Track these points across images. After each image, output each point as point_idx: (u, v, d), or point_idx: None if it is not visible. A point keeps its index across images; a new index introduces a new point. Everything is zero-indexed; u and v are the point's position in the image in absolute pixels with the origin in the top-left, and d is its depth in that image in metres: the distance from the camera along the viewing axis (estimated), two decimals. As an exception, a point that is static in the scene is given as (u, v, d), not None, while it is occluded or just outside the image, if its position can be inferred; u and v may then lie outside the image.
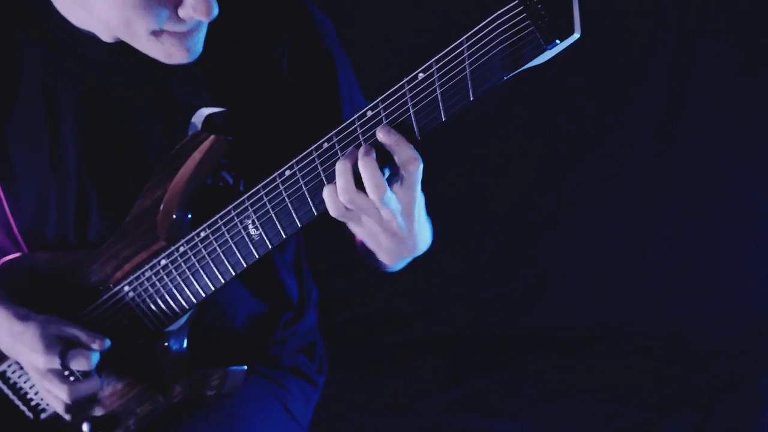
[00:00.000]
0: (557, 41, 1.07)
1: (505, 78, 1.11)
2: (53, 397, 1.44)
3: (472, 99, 1.12)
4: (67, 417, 1.47)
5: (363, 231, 1.27)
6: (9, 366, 1.56)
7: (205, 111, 1.45)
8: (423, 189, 1.26)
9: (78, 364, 1.39)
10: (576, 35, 1.07)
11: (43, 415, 1.57)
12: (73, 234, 1.52)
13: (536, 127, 3.68)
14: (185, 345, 1.48)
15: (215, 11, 1.23)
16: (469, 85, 1.12)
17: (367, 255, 1.39)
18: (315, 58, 1.49)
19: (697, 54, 3.70)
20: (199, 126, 1.44)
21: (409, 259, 1.40)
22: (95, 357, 1.40)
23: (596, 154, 3.90)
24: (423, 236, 1.35)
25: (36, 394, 1.56)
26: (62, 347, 1.39)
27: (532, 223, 3.99)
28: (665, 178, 3.83)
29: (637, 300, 3.82)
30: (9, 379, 1.57)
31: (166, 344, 1.46)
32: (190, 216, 1.43)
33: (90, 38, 1.43)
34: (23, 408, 1.57)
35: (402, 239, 1.26)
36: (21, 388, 1.57)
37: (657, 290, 3.82)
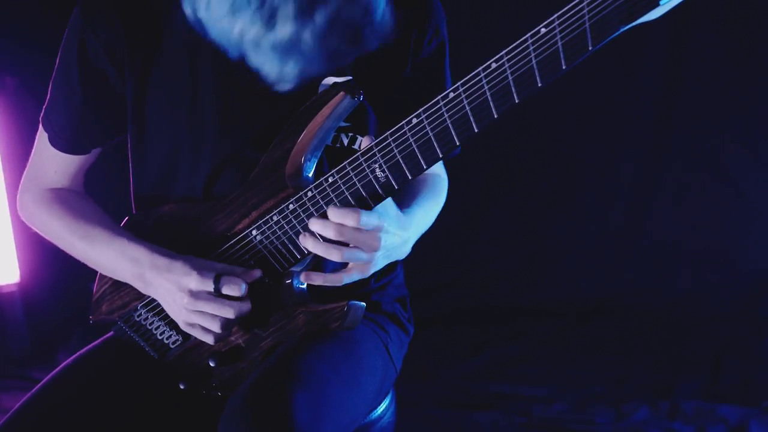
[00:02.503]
0: None
1: (621, 29, 1.21)
2: (202, 317, 1.52)
3: (590, 48, 1.23)
4: (210, 340, 1.56)
5: None
6: (135, 311, 1.68)
7: (332, 79, 1.57)
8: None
9: (231, 290, 1.51)
10: None
11: (168, 354, 1.69)
12: (201, 190, 1.62)
13: (541, 109, 3.83)
14: (305, 285, 1.60)
15: None
16: (588, 36, 1.22)
17: None
18: (434, 45, 1.65)
19: (692, 39, 3.87)
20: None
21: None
22: (245, 286, 1.52)
23: (598, 134, 4.06)
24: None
25: (162, 335, 1.68)
26: (215, 273, 1.52)
27: (540, 200, 4.17)
28: (664, 154, 4.01)
29: (640, 271, 4.04)
30: (135, 322, 1.68)
31: (289, 281, 1.58)
32: (314, 167, 1.55)
33: None
34: (148, 348, 1.70)
35: None
36: (147, 330, 1.68)
37: (658, 261, 4.04)
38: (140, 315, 1.69)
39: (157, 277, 1.55)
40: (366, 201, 1.46)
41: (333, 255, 1.46)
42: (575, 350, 3.60)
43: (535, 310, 3.99)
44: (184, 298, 1.51)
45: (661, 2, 1.18)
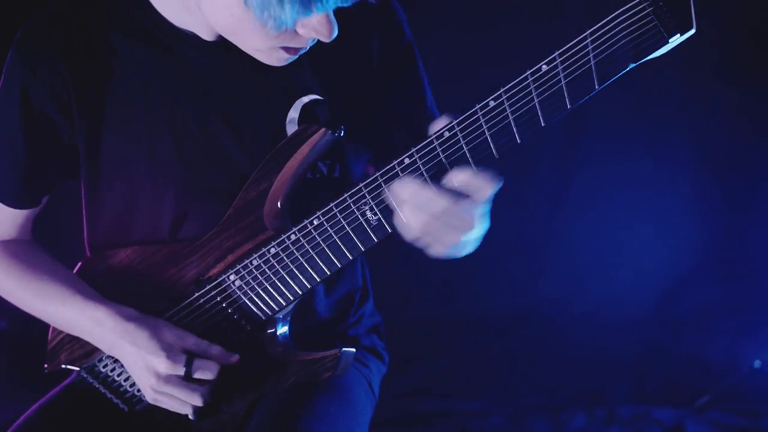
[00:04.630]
0: (678, 34, 1.18)
1: (629, 67, 1.19)
2: (169, 399, 1.44)
3: (597, 88, 1.20)
4: (191, 413, 1.47)
5: None
6: (99, 361, 1.55)
7: (303, 100, 1.47)
8: None
9: (203, 375, 1.42)
10: (693, 30, 1.18)
11: (138, 406, 1.57)
12: (167, 232, 1.52)
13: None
14: (288, 331, 1.51)
15: (336, 32, 1.27)
16: (594, 74, 1.19)
17: None
18: (401, 48, 1.54)
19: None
20: (297, 116, 1.47)
21: None
22: (217, 369, 1.43)
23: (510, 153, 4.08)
24: None
25: (132, 386, 1.55)
26: (187, 356, 1.41)
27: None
28: (574, 164, 4.07)
29: (556, 280, 4.07)
30: (100, 373, 1.55)
31: (271, 330, 1.48)
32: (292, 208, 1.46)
33: (190, 37, 1.43)
34: (117, 401, 1.56)
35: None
36: (114, 381, 1.55)
37: (573, 270, 4.08)
38: (106, 365, 1.56)
39: (121, 343, 1.43)
40: (356, 245, 1.37)
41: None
42: (502, 362, 3.58)
43: (456, 323, 3.95)
44: (150, 378, 1.42)
45: (670, 40, 1.17)
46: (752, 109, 3.85)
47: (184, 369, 1.40)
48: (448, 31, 3.94)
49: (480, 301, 4.03)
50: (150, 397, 1.46)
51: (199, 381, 1.43)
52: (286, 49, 1.33)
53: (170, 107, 1.46)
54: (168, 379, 1.41)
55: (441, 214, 1.24)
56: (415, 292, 4.04)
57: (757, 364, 3.25)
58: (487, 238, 4.04)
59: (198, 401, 1.42)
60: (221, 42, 1.41)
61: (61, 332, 1.55)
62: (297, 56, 1.36)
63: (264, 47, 1.31)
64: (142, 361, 1.41)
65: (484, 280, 4.08)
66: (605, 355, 3.56)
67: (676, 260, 3.95)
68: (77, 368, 1.56)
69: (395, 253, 4.08)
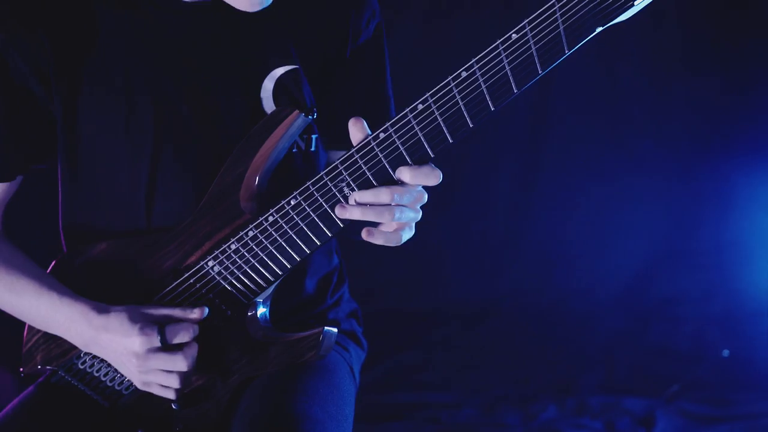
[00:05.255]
0: None
1: (597, 30, 1.21)
2: (156, 376, 1.40)
3: (567, 52, 1.22)
4: (172, 395, 1.44)
5: None
6: (77, 358, 1.51)
7: (277, 72, 1.47)
8: None
9: (179, 337, 1.38)
10: None
11: (121, 401, 1.53)
12: (144, 219, 1.49)
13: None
14: (268, 313, 1.50)
15: None
16: (564, 39, 1.21)
17: None
18: (373, 25, 1.56)
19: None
20: (271, 88, 1.47)
21: None
22: (195, 327, 1.41)
23: (477, 136, 4.07)
24: None
25: (112, 381, 1.52)
26: (158, 325, 1.38)
27: (423, 207, 4.11)
28: (541, 154, 4.07)
29: (524, 270, 4.07)
30: (79, 371, 1.52)
31: (252, 313, 1.47)
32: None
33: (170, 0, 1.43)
34: (97, 397, 1.53)
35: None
36: (93, 378, 1.52)
37: (540, 260, 4.08)
38: (84, 362, 1.52)
39: (97, 335, 1.40)
40: (334, 221, 1.37)
41: (385, 217, 1.32)
42: (471, 353, 3.57)
43: (423, 315, 3.94)
44: (132, 360, 1.39)
45: (635, 3, 1.19)
46: (718, 100, 3.89)
47: (158, 338, 1.37)
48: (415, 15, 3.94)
49: (446, 292, 4.02)
50: (138, 381, 1.43)
51: (179, 346, 1.40)
52: None
53: (151, 83, 1.44)
54: (147, 355, 1.37)
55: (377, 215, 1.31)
56: (381, 283, 4.01)
57: (725, 353, 3.28)
58: (453, 230, 4.06)
59: (183, 365, 1.39)
60: (201, 4, 1.41)
61: (36, 333, 1.51)
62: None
63: None
64: (120, 347, 1.38)
65: (450, 271, 4.09)
66: (574, 345, 3.57)
67: (642, 251, 3.97)
68: (54, 368, 1.52)
69: (360, 244, 4.09)
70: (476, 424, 2.96)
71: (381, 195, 1.31)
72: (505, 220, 4.14)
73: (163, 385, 1.42)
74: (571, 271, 4.00)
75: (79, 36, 1.43)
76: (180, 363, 1.39)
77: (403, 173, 1.31)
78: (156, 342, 1.37)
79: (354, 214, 1.32)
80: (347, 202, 1.34)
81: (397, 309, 3.96)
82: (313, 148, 1.54)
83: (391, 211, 1.31)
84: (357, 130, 1.32)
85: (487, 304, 3.94)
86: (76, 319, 1.41)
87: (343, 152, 1.34)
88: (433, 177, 1.32)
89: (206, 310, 1.43)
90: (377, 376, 3.37)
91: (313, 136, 1.53)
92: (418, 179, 1.31)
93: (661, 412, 2.92)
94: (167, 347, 1.38)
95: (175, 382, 1.41)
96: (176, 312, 1.41)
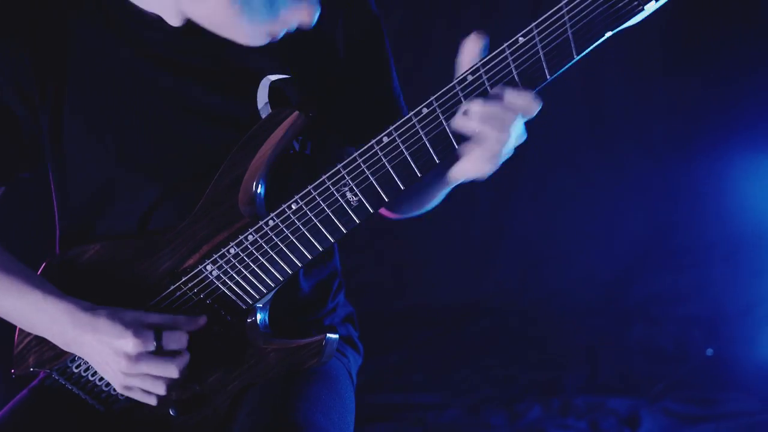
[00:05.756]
0: (654, 1, 1.18)
1: (606, 35, 1.19)
2: (142, 380, 1.37)
3: (576, 56, 1.20)
4: (153, 401, 1.41)
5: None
6: (71, 361, 1.48)
7: (270, 78, 1.45)
8: None
9: (175, 344, 1.35)
10: None
11: (116, 405, 1.50)
12: (136, 224, 1.46)
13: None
14: (267, 319, 1.47)
15: (316, 18, 1.33)
16: (572, 44, 1.19)
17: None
18: (366, 22, 1.53)
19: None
20: (266, 95, 1.44)
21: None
22: (186, 337, 1.38)
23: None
24: None
25: (107, 386, 1.48)
26: (154, 330, 1.35)
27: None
28: (522, 155, 4.04)
29: (506, 271, 4.09)
30: (72, 374, 1.49)
31: (252, 320, 1.44)
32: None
33: (155, 21, 1.38)
34: (92, 402, 1.50)
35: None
36: (88, 382, 1.49)
37: (522, 261, 4.10)
38: (79, 366, 1.49)
39: (83, 335, 1.36)
40: (337, 227, 1.35)
41: (505, 123, 1.26)
42: (455, 354, 3.58)
43: (406, 316, 3.94)
44: (121, 362, 1.35)
45: (645, 7, 1.18)
46: (694, 101, 3.91)
47: (154, 343, 1.34)
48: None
49: (429, 294, 4.03)
50: (120, 384, 1.39)
51: (172, 353, 1.37)
52: (269, 32, 1.33)
53: (137, 93, 1.41)
54: (139, 358, 1.34)
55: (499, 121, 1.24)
56: (364, 285, 4.01)
57: (709, 352, 3.30)
58: (437, 232, 4.07)
59: (174, 373, 1.36)
60: (187, 27, 1.38)
61: (28, 335, 1.48)
62: (279, 37, 1.35)
63: (248, 33, 1.32)
64: (108, 348, 1.34)
65: (432, 272, 4.10)
66: (557, 345, 3.58)
67: (623, 251, 4.00)
68: (48, 370, 1.49)
69: (341, 246, 4.09)
70: (462, 424, 2.95)
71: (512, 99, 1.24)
72: (487, 221, 4.15)
73: (146, 391, 1.39)
74: (553, 272, 4.02)
75: (63, 56, 1.39)
76: (172, 370, 1.35)
77: (507, 90, 1.24)
78: (151, 346, 1.34)
79: (472, 124, 1.24)
80: (349, 207, 1.32)
81: (380, 311, 3.94)
82: (308, 151, 1.51)
83: (510, 118, 1.25)
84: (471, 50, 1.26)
85: (470, 305, 3.95)
86: (59, 318, 1.37)
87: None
88: (534, 104, 1.25)
89: (205, 319, 1.40)
90: (362, 377, 3.35)
91: (309, 142, 1.51)
92: (518, 100, 1.24)
93: (645, 411, 2.92)
94: (161, 353, 1.36)
95: (161, 389, 1.38)
96: (176, 318, 1.38)
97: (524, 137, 1.34)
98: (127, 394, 1.41)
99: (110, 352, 1.35)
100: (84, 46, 1.40)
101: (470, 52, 1.26)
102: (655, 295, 3.83)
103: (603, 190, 4.07)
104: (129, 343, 1.33)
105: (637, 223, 4.02)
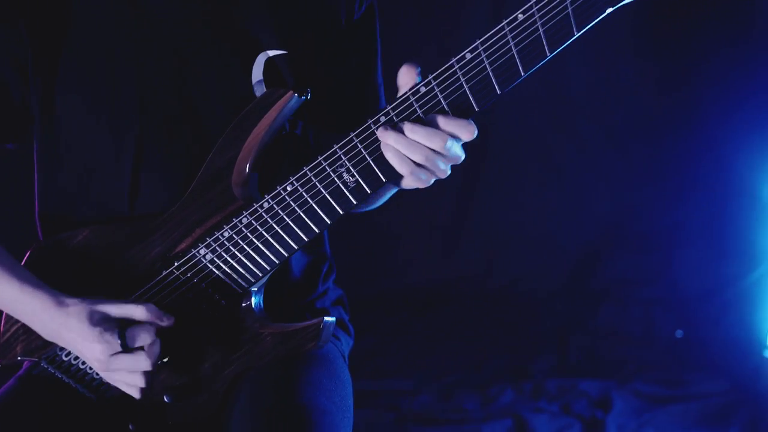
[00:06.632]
0: None
1: (607, 11, 1.18)
2: (127, 377, 1.35)
3: (576, 33, 1.19)
4: (137, 394, 1.37)
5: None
6: (61, 350, 1.43)
7: (267, 54, 1.42)
8: None
9: (140, 341, 1.32)
10: None
11: (108, 393, 1.46)
12: (126, 196, 1.42)
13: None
14: (262, 303, 1.44)
15: None
16: (572, 21, 1.18)
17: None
18: (366, 9, 1.52)
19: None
20: (261, 72, 1.42)
21: None
22: (153, 330, 1.34)
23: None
24: None
25: (98, 374, 1.44)
26: (119, 329, 1.31)
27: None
28: (487, 142, 4.09)
29: (471, 256, 4.09)
30: (62, 362, 1.44)
31: (247, 303, 1.41)
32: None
33: None
34: (83, 390, 1.46)
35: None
36: (78, 370, 1.44)
37: (488, 246, 4.11)
38: (69, 354, 1.44)
39: (60, 331, 1.34)
40: (334, 208, 1.33)
41: (420, 156, 1.26)
42: (424, 340, 3.58)
43: (373, 302, 3.92)
44: (95, 363, 1.33)
45: None
46: (659, 84, 3.95)
47: (119, 342, 1.30)
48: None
49: (396, 280, 4.02)
50: (106, 379, 1.38)
51: (140, 347, 1.34)
52: None
53: (135, 63, 1.38)
54: (109, 359, 1.31)
55: (425, 158, 1.25)
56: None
57: (679, 334, 3.34)
58: (402, 217, 4.05)
59: (146, 365, 1.32)
60: None
61: (16, 323, 1.42)
62: None
63: None
64: (85, 350, 1.32)
65: (398, 259, 4.09)
66: (525, 329, 3.61)
67: (588, 235, 4.03)
68: (36, 359, 1.44)
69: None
70: (436, 410, 2.95)
71: (434, 139, 1.24)
72: (453, 206, 4.15)
73: (128, 383, 1.37)
74: (519, 257, 4.04)
75: (60, 22, 1.36)
76: (143, 363, 1.32)
77: (438, 118, 1.24)
78: (116, 347, 1.31)
79: (399, 143, 1.24)
80: (347, 188, 1.30)
81: (347, 297, 3.92)
82: (298, 131, 1.49)
83: (432, 156, 1.25)
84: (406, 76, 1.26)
85: (437, 290, 3.95)
86: (37, 311, 1.34)
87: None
88: (467, 130, 1.25)
89: (172, 319, 1.36)
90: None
91: (299, 121, 1.49)
92: (451, 127, 1.24)
93: (616, 393, 2.95)
94: (128, 350, 1.32)
95: (140, 381, 1.35)
96: (134, 310, 1.33)
97: (461, 158, 1.31)
98: (114, 384, 1.39)
99: (87, 356, 1.33)
100: (84, 13, 1.37)
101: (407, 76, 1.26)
102: (622, 278, 3.88)
103: (567, 174, 4.09)
104: (96, 348, 1.31)
105: (602, 207, 4.05)
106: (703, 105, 3.77)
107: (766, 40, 3.63)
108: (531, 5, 1.18)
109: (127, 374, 1.34)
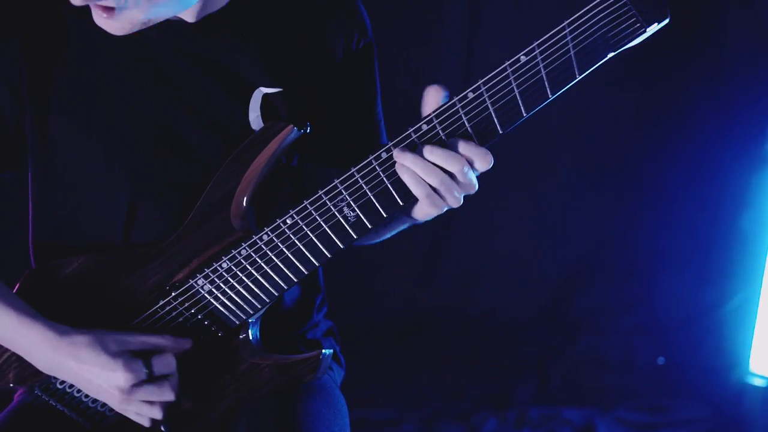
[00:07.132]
0: (656, 23, 1.21)
1: (608, 56, 1.21)
2: (146, 407, 1.33)
3: (578, 76, 1.22)
4: (147, 423, 1.36)
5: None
6: (55, 378, 1.40)
7: (262, 91, 1.41)
8: None
9: (166, 368, 1.32)
10: (667, 20, 1.22)
11: (104, 422, 1.44)
12: (121, 227, 1.40)
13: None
14: (259, 334, 1.43)
15: None
16: (574, 63, 1.21)
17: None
18: (362, 45, 1.52)
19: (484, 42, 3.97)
20: (258, 107, 1.41)
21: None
22: (173, 357, 1.34)
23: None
24: None
25: (94, 402, 1.41)
26: (141, 358, 1.30)
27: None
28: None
29: (448, 285, 4.06)
30: (57, 390, 1.41)
31: (244, 335, 1.40)
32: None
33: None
34: (78, 419, 1.43)
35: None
36: (74, 398, 1.41)
37: (465, 274, 4.08)
38: (63, 382, 1.41)
39: (65, 363, 1.30)
40: (333, 242, 1.32)
41: (437, 181, 1.26)
42: (403, 369, 3.54)
43: (350, 332, 3.86)
44: (114, 394, 1.31)
45: (647, 29, 1.21)
46: (636, 111, 3.97)
47: (145, 371, 1.30)
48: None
49: (373, 309, 3.98)
50: (118, 409, 1.36)
51: (164, 377, 1.34)
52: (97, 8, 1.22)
53: (130, 94, 1.37)
54: (133, 390, 1.30)
55: (440, 182, 1.25)
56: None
57: (660, 360, 3.34)
58: (378, 246, 4.01)
59: (171, 396, 1.33)
60: (180, 22, 1.35)
61: (7, 350, 1.39)
62: (115, 17, 1.23)
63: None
64: (97, 379, 1.30)
65: (375, 287, 4.05)
66: (504, 358, 3.58)
67: (565, 262, 4.02)
68: (29, 386, 1.41)
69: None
70: (419, 439, 2.92)
71: (452, 162, 1.25)
72: (429, 235, 4.12)
73: (145, 414, 1.35)
74: (497, 285, 4.01)
75: (56, 50, 1.35)
76: (168, 394, 1.33)
77: (459, 143, 1.25)
78: (142, 375, 1.30)
79: (416, 164, 1.25)
80: (347, 222, 1.30)
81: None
82: (295, 163, 1.49)
83: (448, 181, 1.26)
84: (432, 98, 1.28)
85: (415, 318, 3.92)
86: (37, 343, 1.31)
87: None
88: (484, 159, 1.27)
89: (191, 341, 1.37)
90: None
91: (296, 153, 1.49)
92: (471, 152, 1.25)
93: (600, 421, 2.95)
94: (153, 379, 1.32)
95: (158, 413, 1.35)
96: (155, 341, 1.34)
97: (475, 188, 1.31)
98: (124, 413, 1.37)
99: (100, 384, 1.30)
100: (80, 42, 1.35)
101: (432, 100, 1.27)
102: (600, 305, 3.87)
103: (544, 202, 4.08)
104: (120, 378, 1.29)
105: (579, 235, 4.05)
106: (682, 134, 3.80)
107: (738, 73, 3.67)
108: (533, 47, 1.21)
109: (147, 406, 1.33)
